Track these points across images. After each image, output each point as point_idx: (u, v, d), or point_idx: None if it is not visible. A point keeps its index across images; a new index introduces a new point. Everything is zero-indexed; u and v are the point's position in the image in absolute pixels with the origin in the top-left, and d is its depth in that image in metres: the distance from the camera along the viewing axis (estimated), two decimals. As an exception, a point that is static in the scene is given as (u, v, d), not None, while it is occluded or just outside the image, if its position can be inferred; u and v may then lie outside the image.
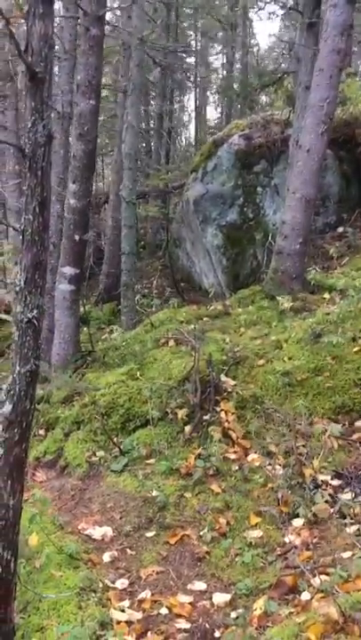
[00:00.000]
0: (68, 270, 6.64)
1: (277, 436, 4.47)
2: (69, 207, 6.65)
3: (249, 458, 4.39)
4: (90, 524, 3.98)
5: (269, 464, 4.27)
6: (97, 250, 13.73)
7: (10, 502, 2.16)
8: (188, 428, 4.67)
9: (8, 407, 2.08)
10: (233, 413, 4.72)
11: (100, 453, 4.80)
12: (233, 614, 3.11)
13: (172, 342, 5.94)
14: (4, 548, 2.19)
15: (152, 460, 4.54)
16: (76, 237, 6.63)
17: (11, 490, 2.16)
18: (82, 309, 7.58)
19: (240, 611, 3.07)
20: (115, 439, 4.81)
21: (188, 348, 5.52)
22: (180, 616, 3.18)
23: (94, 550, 3.72)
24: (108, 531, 3.92)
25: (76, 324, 6.82)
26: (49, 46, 1.62)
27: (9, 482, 2.15)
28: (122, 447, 4.74)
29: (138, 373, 5.44)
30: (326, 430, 4.17)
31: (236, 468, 4.30)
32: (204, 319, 6.71)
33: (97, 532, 3.90)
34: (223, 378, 5.01)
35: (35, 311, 1.97)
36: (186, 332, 5.82)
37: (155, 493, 4.11)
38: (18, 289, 1.93)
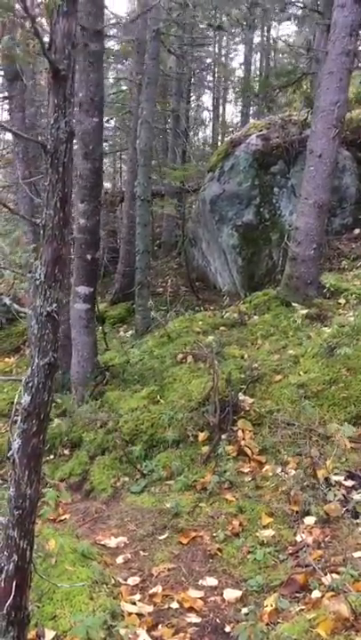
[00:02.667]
0: (83, 289, 6.67)
1: (292, 448, 4.50)
2: (79, 227, 6.60)
3: (263, 470, 4.46)
4: (106, 536, 4.09)
5: (282, 471, 4.32)
6: (112, 249, 13.80)
7: (27, 492, 2.19)
8: (206, 449, 4.75)
9: (27, 399, 2.12)
10: (250, 431, 4.80)
11: (125, 479, 4.95)
12: (244, 610, 3.13)
13: (190, 358, 6.00)
14: (20, 537, 2.23)
15: (171, 482, 4.65)
16: (88, 257, 6.63)
17: (28, 480, 2.19)
18: (97, 309, 7.63)
19: (251, 607, 3.10)
20: (138, 466, 4.93)
21: (207, 365, 5.57)
22: (190, 610, 3.21)
23: (108, 555, 3.81)
24: (122, 540, 4.01)
25: (93, 341, 6.86)
26: (72, 44, 1.66)
27: (26, 472, 2.19)
28: (143, 471, 4.85)
29: (158, 396, 5.56)
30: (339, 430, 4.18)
31: (250, 479, 4.38)
32: (221, 329, 6.75)
33: (112, 542, 4.00)
34: (241, 397, 5.09)
35: (54, 305, 2.00)
36: (204, 347, 5.86)
37: (169, 505, 4.21)
38: (38, 283, 1.97)
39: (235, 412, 4.91)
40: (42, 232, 1.88)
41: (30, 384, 2.12)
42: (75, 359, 6.79)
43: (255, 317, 6.90)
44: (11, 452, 2.17)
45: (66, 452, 5.67)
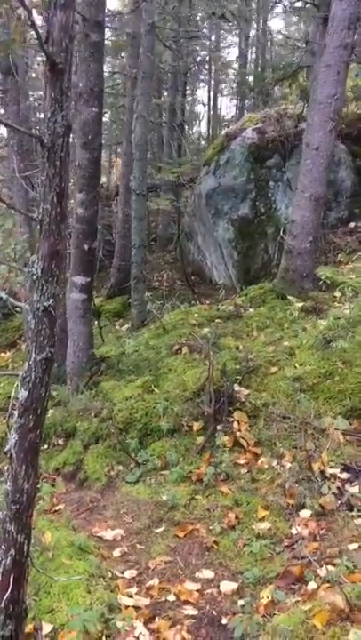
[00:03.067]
0: (79, 279, 6.65)
1: (288, 441, 4.52)
2: (77, 216, 6.60)
3: (258, 462, 4.47)
4: (103, 528, 4.09)
5: (278, 463, 4.34)
6: (107, 243, 13.77)
7: (24, 486, 2.20)
8: (201, 439, 4.76)
9: (24, 394, 2.12)
10: (245, 422, 4.81)
11: (119, 468, 4.94)
12: (240, 602, 3.15)
13: (185, 349, 6.00)
14: (17, 532, 2.24)
15: (166, 472, 4.65)
16: (85, 247, 6.62)
17: (25, 474, 2.20)
18: (93, 301, 7.62)
19: (247, 599, 3.12)
20: (132, 454, 4.93)
21: (202, 356, 5.57)
22: (187, 603, 3.23)
23: (105, 548, 3.83)
24: (119, 532, 4.02)
25: (89, 331, 6.86)
26: (69, 37, 1.65)
27: (23, 466, 2.20)
28: (138, 460, 4.84)
29: (153, 386, 5.55)
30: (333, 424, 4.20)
31: (245, 471, 4.39)
32: (216, 321, 6.75)
33: (109, 534, 4.01)
34: (237, 387, 5.09)
35: (51, 300, 2.00)
36: (199, 338, 5.86)
37: (165, 497, 4.22)
38: (35, 277, 1.97)
39: (230, 403, 4.91)
40: (39, 227, 1.88)
41: (27, 379, 2.13)
42: (70, 349, 6.79)
43: (251, 310, 6.90)
44: (8, 447, 2.18)
45: (60, 441, 5.66)
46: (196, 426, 4.89)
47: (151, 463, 4.76)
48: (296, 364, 5.22)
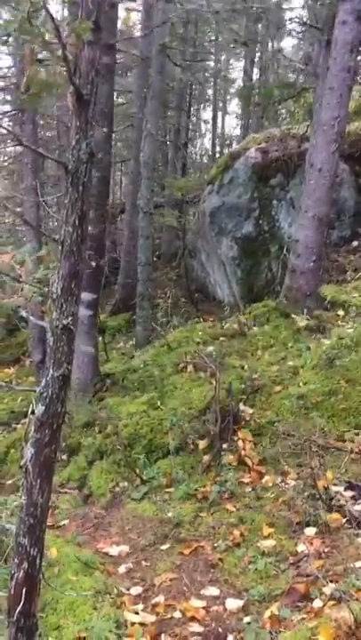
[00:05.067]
0: (86, 296, 6.72)
1: (292, 458, 4.55)
2: None
3: (263, 480, 4.50)
4: (108, 544, 4.12)
5: (282, 481, 4.37)
6: (112, 260, 13.88)
7: (39, 500, 2.24)
8: (206, 458, 4.79)
9: (41, 409, 2.17)
10: (250, 441, 4.84)
11: (124, 484, 4.97)
12: (246, 619, 3.17)
13: (190, 368, 6.06)
14: (30, 545, 2.28)
15: (171, 489, 4.68)
16: (93, 264, 6.73)
17: (40, 489, 2.25)
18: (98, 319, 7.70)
19: (253, 616, 3.13)
20: (137, 470, 4.95)
21: (208, 374, 5.62)
22: (193, 620, 3.24)
23: (111, 564, 3.85)
24: (124, 549, 4.04)
25: (94, 348, 6.94)
26: (95, 71, 1.74)
27: (38, 480, 2.24)
28: (143, 477, 4.87)
29: (159, 402, 5.59)
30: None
31: (250, 490, 4.41)
32: (221, 339, 6.81)
33: (114, 550, 4.03)
34: (242, 407, 5.14)
35: (70, 318, 2.07)
36: (205, 357, 5.91)
37: (171, 514, 4.24)
38: (55, 296, 2.03)
39: (235, 422, 4.96)
40: (60, 247, 1.95)
41: (45, 395, 2.18)
42: (75, 365, 6.84)
43: (255, 328, 6.96)
44: (24, 461, 2.23)
45: (64, 457, 5.68)
46: (202, 444, 4.92)
47: (157, 480, 4.78)
48: (300, 383, 5.28)
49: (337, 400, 4.92)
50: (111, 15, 6.61)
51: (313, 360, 5.52)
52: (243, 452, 4.70)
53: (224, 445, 4.84)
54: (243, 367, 5.84)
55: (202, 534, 4.05)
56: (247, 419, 5.03)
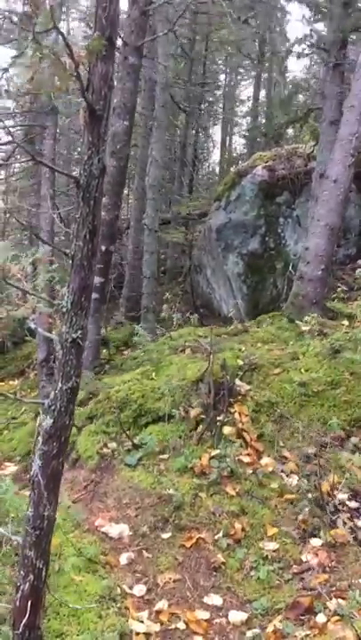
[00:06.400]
0: (95, 279, 6.86)
1: (291, 441, 4.56)
2: None
3: (263, 462, 4.46)
4: (106, 520, 4.03)
5: (283, 471, 4.34)
6: (118, 275, 13.93)
7: (45, 513, 2.25)
8: (201, 427, 4.73)
9: (49, 422, 2.18)
10: (247, 415, 4.80)
11: (112, 445, 4.88)
12: (249, 633, 3.14)
13: (188, 351, 6.09)
14: (37, 557, 2.28)
15: (165, 456, 4.61)
16: (103, 248, 6.99)
17: (46, 501, 2.25)
18: (102, 331, 7.74)
19: (256, 630, 3.11)
20: (128, 432, 4.88)
21: (204, 355, 5.62)
22: (196, 633, 3.22)
23: (111, 551, 3.77)
24: (124, 529, 3.97)
25: (98, 331, 7.05)
26: (108, 86, 1.77)
27: (45, 493, 2.25)
28: (135, 441, 4.80)
29: (153, 374, 5.59)
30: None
31: (251, 471, 4.36)
32: (223, 336, 6.83)
33: (114, 530, 3.95)
34: (238, 382, 5.10)
35: (79, 332, 2.08)
36: (203, 342, 5.94)
37: (170, 491, 4.14)
38: (64, 310, 2.05)
39: (231, 396, 4.91)
40: (71, 262, 1.97)
41: (53, 407, 2.19)
42: None
43: (257, 328, 6.99)
44: (32, 473, 2.23)
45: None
46: (194, 412, 4.84)
47: (149, 446, 4.69)
48: (302, 370, 5.23)
49: (340, 391, 4.91)
50: (141, 22, 7.25)
51: (316, 348, 5.49)
52: (240, 426, 4.65)
53: (219, 417, 4.73)
54: (240, 350, 5.79)
55: (202, 521, 4.00)
56: (243, 394, 4.97)
